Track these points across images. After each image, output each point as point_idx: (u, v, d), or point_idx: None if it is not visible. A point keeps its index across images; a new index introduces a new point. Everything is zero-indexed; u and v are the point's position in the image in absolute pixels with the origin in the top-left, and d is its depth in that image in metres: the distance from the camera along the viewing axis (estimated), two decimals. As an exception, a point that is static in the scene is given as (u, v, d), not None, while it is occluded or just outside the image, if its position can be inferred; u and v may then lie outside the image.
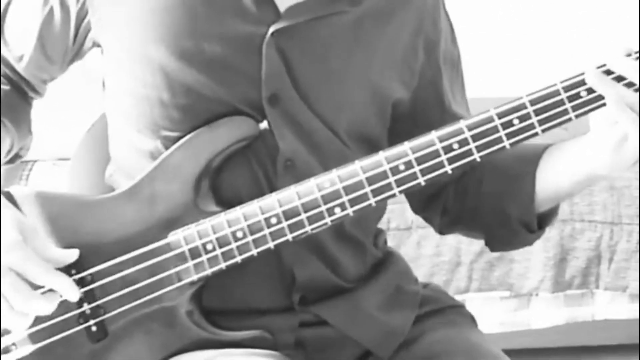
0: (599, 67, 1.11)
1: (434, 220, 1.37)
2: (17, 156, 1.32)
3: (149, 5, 1.17)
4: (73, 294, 1.10)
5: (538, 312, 2.67)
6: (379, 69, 1.24)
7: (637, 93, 1.10)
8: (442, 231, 1.38)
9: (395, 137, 1.28)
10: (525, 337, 2.71)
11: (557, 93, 1.11)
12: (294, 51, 1.18)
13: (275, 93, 1.18)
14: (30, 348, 1.14)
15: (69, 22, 1.22)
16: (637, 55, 1.10)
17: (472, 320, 1.36)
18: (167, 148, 1.19)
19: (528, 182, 1.23)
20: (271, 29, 1.17)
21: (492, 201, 1.28)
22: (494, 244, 1.33)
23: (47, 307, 1.09)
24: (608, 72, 1.11)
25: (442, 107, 1.31)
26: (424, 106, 1.30)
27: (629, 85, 1.10)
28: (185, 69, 1.16)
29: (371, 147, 1.25)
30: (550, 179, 1.22)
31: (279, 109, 1.18)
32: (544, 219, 1.27)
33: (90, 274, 1.14)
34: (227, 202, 1.16)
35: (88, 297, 1.14)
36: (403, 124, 1.29)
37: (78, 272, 1.14)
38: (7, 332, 1.14)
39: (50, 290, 1.10)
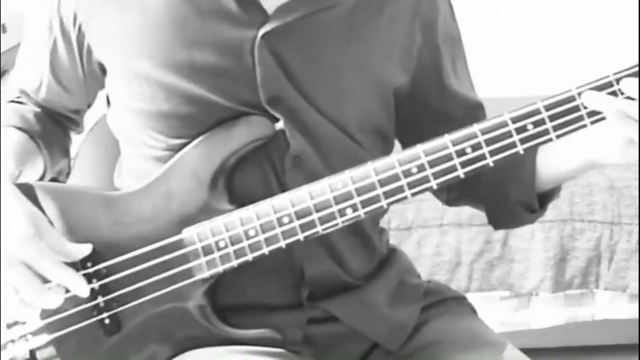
0: (612, 76, 1.11)
1: (440, 195, 1.39)
2: (55, 181, 1.33)
3: (137, 22, 1.18)
4: (82, 289, 1.11)
5: (538, 312, 2.67)
6: (378, 57, 1.24)
7: (636, 102, 1.09)
8: (449, 204, 1.39)
9: (400, 123, 1.30)
10: (525, 337, 2.70)
11: (572, 99, 1.11)
12: (287, 51, 1.19)
13: (274, 95, 1.18)
14: (45, 339, 1.16)
15: (73, 50, 1.24)
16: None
17: (472, 310, 1.38)
18: (175, 154, 1.20)
19: (528, 166, 1.24)
20: (261, 32, 1.17)
21: (491, 184, 1.29)
22: (496, 223, 1.35)
23: (56, 300, 1.10)
24: (609, 85, 1.10)
25: (442, 86, 1.31)
26: (424, 87, 1.30)
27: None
28: (181, 81, 1.17)
29: (381, 139, 1.25)
30: (550, 164, 1.24)
31: (281, 109, 1.18)
32: (547, 197, 1.28)
33: (105, 267, 1.15)
34: (239, 200, 1.17)
35: (102, 290, 1.15)
36: (405, 108, 1.30)
37: (94, 265, 1.15)
38: (18, 323, 1.15)
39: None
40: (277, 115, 1.18)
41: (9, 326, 1.15)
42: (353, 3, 1.22)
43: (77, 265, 1.14)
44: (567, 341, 2.77)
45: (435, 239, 2.62)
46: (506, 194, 1.27)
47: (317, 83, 1.20)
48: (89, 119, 1.45)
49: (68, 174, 1.35)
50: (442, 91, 1.31)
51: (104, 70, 1.25)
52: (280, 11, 1.18)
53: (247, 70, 1.17)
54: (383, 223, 1.37)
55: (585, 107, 1.10)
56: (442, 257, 2.63)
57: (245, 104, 1.18)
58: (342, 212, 1.13)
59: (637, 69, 1.10)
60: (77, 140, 1.45)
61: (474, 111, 1.32)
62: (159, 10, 1.17)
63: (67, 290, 1.12)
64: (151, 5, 1.18)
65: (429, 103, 1.29)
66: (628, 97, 1.10)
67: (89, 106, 1.35)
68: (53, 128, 1.33)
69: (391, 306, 1.29)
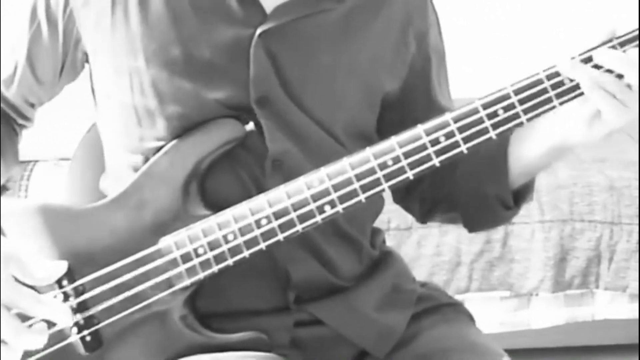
0: (577, 56, 1.11)
1: (413, 209, 1.38)
2: (3, 188, 1.31)
3: (135, 15, 1.17)
4: (66, 320, 1.11)
5: (538, 312, 2.67)
6: (369, 63, 1.24)
7: (611, 74, 1.10)
8: (422, 219, 1.39)
9: (382, 127, 1.29)
10: (525, 337, 2.71)
11: (540, 82, 1.11)
12: (282, 51, 1.18)
13: (264, 95, 1.18)
14: None
15: (57, 37, 1.22)
16: (619, 42, 1.10)
17: (469, 317, 1.36)
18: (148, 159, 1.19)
19: (501, 159, 1.24)
20: (258, 31, 1.17)
21: (467, 182, 1.28)
22: (472, 225, 1.33)
23: (39, 341, 1.10)
24: (587, 60, 1.11)
25: (429, 97, 1.31)
26: (412, 95, 1.30)
27: (609, 71, 1.10)
28: (173, 77, 1.17)
29: (366, 142, 1.25)
30: (521, 153, 1.23)
31: (268, 110, 1.18)
32: (520, 195, 1.27)
33: (82, 284, 1.14)
34: (216, 205, 1.16)
35: (81, 307, 1.14)
36: (390, 113, 1.29)
37: (70, 283, 1.14)
38: None
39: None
40: (263, 116, 1.18)
41: None
42: (348, 8, 1.22)
43: (53, 285, 1.13)
44: (567, 341, 2.77)
45: (435, 239, 2.62)
46: (483, 190, 1.26)
47: (308, 85, 1.20)
48: (87, 120, 1.45)
49: (15, 181, 1.33)
50: (428, 101, 1.31)
51: (85, 61, 1.23)
52: (278, 11, 1.18)
53: (240, 69, 1.17)
54: (383, 223, 1.36)
55: (553, 89, 1.12)
56: (442, 257, 2.63)
57: (234, 104, 1.17)
58: (320, 210, 1.12)
59: (604, 46, 1.11)
60: (77, 140, 1.46)
61: None
62: (158, 5, 1.17)
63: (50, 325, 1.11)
64: None
65: (415, 111, 1.29)
66: (607, 71, 1.10)
67: (49, 100, 1.32)
68: (7, 135, 1.30)
69: (380, 311, 1.28)
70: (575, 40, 3.47)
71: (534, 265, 2.63)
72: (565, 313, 2.67)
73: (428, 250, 2.62)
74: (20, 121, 1.33)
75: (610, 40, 1.11)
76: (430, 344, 1.27)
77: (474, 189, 1.28)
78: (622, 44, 1.10)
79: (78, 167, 1.43)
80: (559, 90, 1.11)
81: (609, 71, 1.10)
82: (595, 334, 2.76)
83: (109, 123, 1.25)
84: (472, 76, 3.07)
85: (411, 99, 1.30)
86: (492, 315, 2.66)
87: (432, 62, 1.31)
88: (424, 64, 1.30)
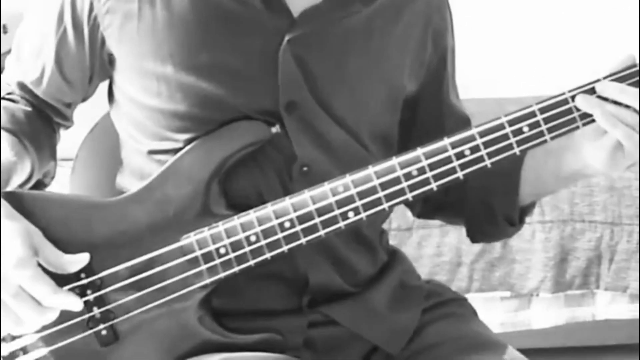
0: (596, 81, 1.12)
1: (414, 206, 1.39)
2: (41, 184, 1.30)
3: (162, 20, 1.17)
4: (78, 306, 1.12)
5: (539, 312, 2.67)
6: (392, 65, 1.25)
7: (629, 108, 1.11)
8: (420, 216, 1.40)
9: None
10: (526, 337, 2.70)
11: (565, 102, 1.13)
12: (310, 57, 1.18)
13: (292, 100, 1.18)
14: (40, 353, 1.14)
15: (83, 42, 1.22)
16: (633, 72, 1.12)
17: (473, 312, 1.38)
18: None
19: (514, 178, 1.26)
20: (287, 37, 1.16)
21: (477, 195, 1.30)
22: (475, 235, 1.36)
23: (53, 316, 1.11)
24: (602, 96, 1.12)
25: (442, 96, 1.33)
26: (426, 95, 1.31)
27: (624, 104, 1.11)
28: (201, 82, 1.16)
29: (389, 146, 1.26)
30: (535, 177, 1.25)
31: (296, 115, 1.18)
32: (524, 213, 1.29)
33: (100, 278, 1.14)
34: (238, 206, 1.16)
35: (98, 301, 1.14)
36: (404, 113, 1.30)
37: (88, 276, 1.14)
38: (13, 337, 1.14)
39: None
40: (291, 121, 1.18)
41: (4, 340, 1.14)
42: (372, 11, 1.22)
43: (71, 278, 1.13)
44: (567, 341, 2.77)
45: (435, 239, 2.62)
46: (492, 205, 1.29)
47: (335, 90, 1.21)
48: (88, 120, 1.44)
49: (53, 177, 1.33)
50: (441, 101, 1.32)
51: (112, 62, 1.23)
52: (306, 15, 1.18)
53: (268, 74, 1.17)
54: (383, 224, 1.37)
55: (578, 110, 1.12)
56: (443, 257, 2.63)
57: (262, 109, 1.18)
58: (344, 216, 1.13)
59: (625, 72, 1.12)
60: (77, 142, 1.45)
61: (463, 125, 1.32)
62: (185, 10, 1.16)
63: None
64: (177, 4, 1.16)
65: (427, 111, 1.31)
66: (615, 102, 1.11)
67: (83, 100, 1.32)
68: (43, 129, 1.29)
69: (392, 309, 1.29)
70: (575, 41, 3.46)
71: (534, 266, 2.63)
72: (565, 313, 2.68)
73: (429, 250, 2.62)
74: (57, 119, 1.32)
75: (630, 67, 1.12)
76: (435, 337, 1.29)
77: (483, 202, 1.29)
78: (622, 79, 1.12)
79: (83, 166, 1.43)
80: (584, 111, 1.12)
81: (624, 105, 1.11)
82: (595, 334, 2.76)
83: (131, 123, 1.24)
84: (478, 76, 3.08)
85: (423, 97, 1.31)
86: (492, 315, 2.66)
87: (448, 62, 1.32)
88: (439, 63, 1.31)
